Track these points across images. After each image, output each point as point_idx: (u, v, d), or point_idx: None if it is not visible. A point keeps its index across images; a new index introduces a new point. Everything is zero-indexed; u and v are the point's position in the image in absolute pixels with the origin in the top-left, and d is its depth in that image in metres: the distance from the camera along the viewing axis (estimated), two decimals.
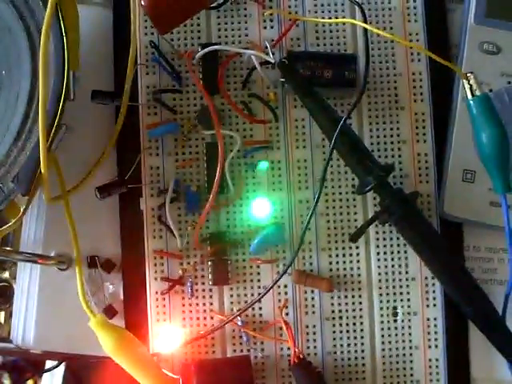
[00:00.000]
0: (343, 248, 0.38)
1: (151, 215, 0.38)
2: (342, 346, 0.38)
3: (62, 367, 0.47)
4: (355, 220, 0.38)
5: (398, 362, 0.38)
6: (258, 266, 0.38)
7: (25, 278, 0.39)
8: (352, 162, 0.35)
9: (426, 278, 0.38)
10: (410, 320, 0.38)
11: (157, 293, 0.38)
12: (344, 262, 0.38)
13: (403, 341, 0.38)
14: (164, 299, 0.38)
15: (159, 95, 0.39)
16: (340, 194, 0.38)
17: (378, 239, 0.38)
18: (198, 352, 0.37)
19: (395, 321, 0.38)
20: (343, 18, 0.40)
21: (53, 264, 0.38)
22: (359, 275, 0.38)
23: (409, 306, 0.38)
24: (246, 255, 0.38)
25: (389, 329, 0.38)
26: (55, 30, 0.34)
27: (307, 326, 0.38)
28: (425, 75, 0.39)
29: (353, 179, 0.38)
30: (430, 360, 0.38)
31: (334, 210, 0.38)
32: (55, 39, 0.34)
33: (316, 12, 0.40)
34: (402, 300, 0.38)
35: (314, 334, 0.38)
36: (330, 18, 0.39)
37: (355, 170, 0.35)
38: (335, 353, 0.38)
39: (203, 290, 0.38)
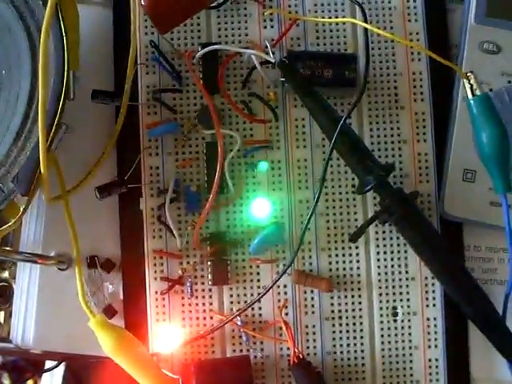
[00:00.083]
0: (343, 248, 0.38)
1: (151, 215, 0.38)
2: (341, 345, 0.38)
3: (62, 367, 0.47)
4: (355, 220, 0.38)
5: (397, 362, 0.38)
6: (258, 266, 0.38)
7: (24, 278, 0.39)
8: (352, 161, 0.35)
9: (426, 277, 0.38)
10: (409, 320, 0.38)
11: (156, 293, 0.38)
12: (344, 262, 0.38)
13: (403, 341, 0.38)
14: (164, 299, 0.38)
15: (159, 95, 0.39)
16: (340, 193, 0.38)
17: (377, 239, 0.38)
18: (197, 352, 0.37)
19: (395, 321, 0.38)
20: (343, 17, 0.39)
21: (52, 264, 0.38)
22: (359, 275, 0.38)
23: (408, 306, 0.38)
24: (246, 255, 0.38)
25: (388, 329, 0.38)
26: (55, 30, 0.34)
27: (307, 326, 0.38)
28: (425, 75, 0.39)
29: (353, 179, 0.38)
30: (429, 360, 0.38)
31: (333, 210, 0.38)
32: (55, 39, 0.34)
33: (316, 12, 0.40)
34: (401, 300, 0.38)
35: (314, 333, 0.38)
36: (330, 18, 0.39)
37: (355, 170, 0.35)
38: (335, 353, 0.38)
39: (203, 290, 0.38)
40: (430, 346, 0.38)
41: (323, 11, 0.40)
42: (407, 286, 0.38)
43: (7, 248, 0.40)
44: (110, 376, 0.37)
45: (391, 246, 0.38)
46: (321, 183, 0.35)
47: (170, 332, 0.37)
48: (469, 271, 0.36)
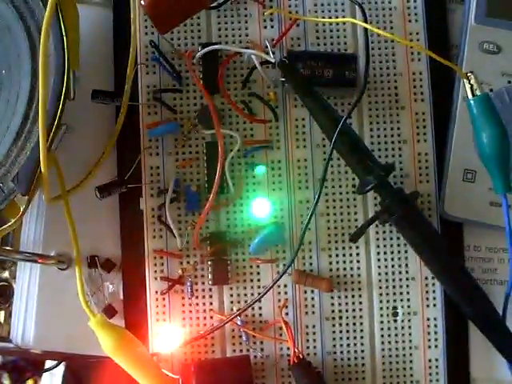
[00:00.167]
0: (343, 248, 0.38)
1: (151, 215, 0.38)
2: (341, 345, 0.38)
3: (62, 367, 0.47)
4: (355, 220, 0.38)
5: (397, 362, 0.38)
6: (258, 266, 0.38)
7: (25, 278, 0.39)
8: (352, 161, 0.35)
9: (426, 277, 0.38)
10: (409, 320, 0.38)
11: (156, 292, 0.38)
12: (344, 262, 0.38)
13: (403, 341, 0.38)
14: (164, 299, 0.38)
15: (159, 95, 0.39)
16: (340, 193, 0.38)
17: (378, 239, 0.38)
18: (197, 352, 0.37)
19: (395, 321, 0.38)
20: (343, 17, 0.39)
21: (53, 264, 0.38)
22: (359, 275, 0.38)
23: (409, 306, 0.38)
24: (246, 255, 0.38)
25: (389, 329, 0.38)
26: (55, 30, 0.34)
27: (307, 326, 0.38)
28: (425, 75, 0.39)
29: (353, 179, 0.38)
30: (429, 360, 0.38)
31: (334, 210, 0.38)
32: (55, 39, 0.34)
33: (316, 12, 0.40)
34: (401, 300, 0.38)
35: (314, 333, 0.38)
36: (330, 18, 0.39)
37: (355, 170, 0.35)
38: (335, 353, 0.38)
39: (203, 290, 0.38)
40: (430, 346, 0.38)
41: (323, 11, 0.40)
42: (407, 286, 0.38)
43: (7, 248, 0.40)
44: (110, 376, 0.37)
45: (391, 246, 0.38)
46: (321, 183, 0.35)
47: (170, 332, 0.37)
48: (469, 271, 0.36)
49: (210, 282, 0.38)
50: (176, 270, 0.38)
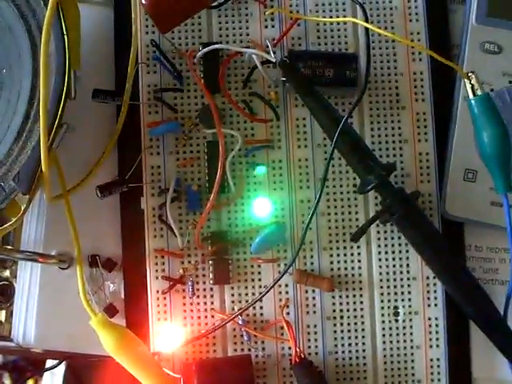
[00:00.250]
0: (344, 247, 0.38)
1: (152, 214, 0.38)
2: (343, 345, 0.38)
3: (63, 366, 0.47)
4: (356, 219, 0.38)
5: (399, 362, 0.38)
6: (259, 266, 0.38)
7: (25, 277, 0.39)
8: (353, 161, 0.35)
9: (428, 277, 0.38)
10: (411, 320, 0.38)
11: (158, 292, 0.38)
12: (345, 262, 0.38)
13: (404, 340, 0.38)
14: (165, 298, 0.38)
15: (160, 94, 0.39)
16: (341, 193, 0.38)
17: (379, 239, 0.38)
18: (198, 351, 0.37)
19: (396, 320, 0.38)
20: (344, 17, 0.39)
21: (53, 263, 0.38)
22: (360, 275, 0.38)
23: (410, 306, 0.38)
24: (247, 254, 0.38)
25: (390, 328, 0.38)
26: (56, 29, 0.34)
27: (308, 326, 0.38)
28: (426, 75, 0.39)
29: (354, 178, 0.38)
30: (431, 360, 0.38)
31: (335, 210, 0.38)
32: (56, 38, 0.34)
33: (317, 11, 0.40)
34: (403, 300, 0.38)
35: (315, 333, 0.38)
36: (331, 18, 0.39)
37: (356, 170, 0.35)
38: (336, 352, 0.38)
39: (204, 289, 0.38)
40: (431, 346, 0.38)
41: (324, 11, 0.40)
42: (408, 285, 0.38)
43: (8, 247, 0.40)
44: (111, 375, 0.36)
45: (392, 245, 0.38)
46: (322, 183, 0.35)
47: (172, 331, 0.37)
48: (470, 271, 0.36)
49: (211, 282, 0.38)
50: (177, 270, 0.38)
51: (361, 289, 0.38)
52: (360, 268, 0.38)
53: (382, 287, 0.38)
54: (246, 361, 0.36)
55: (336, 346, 0.38)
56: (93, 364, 0.40)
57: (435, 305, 0.38)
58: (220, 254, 0.38)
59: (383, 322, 0.38)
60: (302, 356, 0.36)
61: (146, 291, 0.38)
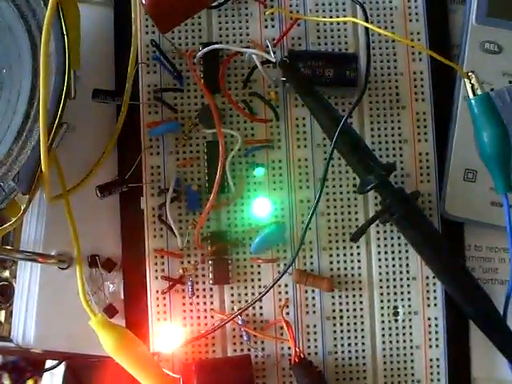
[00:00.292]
0: (344, 247, 0.38)
1: (152, 214, 0.38)
2: (342, 345, 0.38)
3: (63, 366, 0.47)
4: (356, 219, 0.38)
5: (398, 362, 0.38)
6: (259, 266, 0.38)
7: (25, 277, 0.39)
8: (353, 161, 0.35)
9: (427, 277, 0.38)
10: (410, 319, 0.38)
11: (157, 292, 0.38)
12: (345, 262, 0.38)
13: (404, 340, 0.38)
14: (164, 298, 0.38)
15: (160, 94, 0.39)
16: (341, 193, 0.38)
17: (378, 239, 0.38)
18: (198, 351, 0.37)
19: (396, 320, 0.38)
20: (344, 17, 0.39)
21: (53, 263, 0.38)
22: (360, 275, 0.38)
23: (409, 306, 0.38)
24: (247, 254, 0.38)
25: (389, 328, 0.38)
26: (56, 29, 0.34)
27: (308, 326, 0.38)
28: (426, 75, 0.39)
29: (354, 178, 0.38)
30: (430, 360, 0.38)
31: (334, 210, 0.38)
32: (56, 38, 0.34)
33: (317, 11, 0.40)
34: (402, 299, 0.38)
35: (315, 333, 0.38)
36: (331, 17, 0.39)
37: (356, 170, 0.35)
38: (336, 352, 0.38)
39: (204, 290, 0.38)
40: (430, 346, 0.38)
41: (324, 11, 0.40)
42: (408, 285, 0.38)
43: (8, 247, 0.40)
44: (111, 375, 0.36)
45: (392, 245, 0.38)
46: (322, 183, 0.35)
47: (171, 331, 0.37)
48: (470, 271, 0.36)
49: (211, 282, 0.38)
50: (177, 270, 0.38)
51: (360, 289, 0.38)
52: (360, 268, 0.38)
53: (381, 287, 0.38)
54: (245, 361, 0.36)
55: (336, 346, 0.38)
56: (92, 364, 0.40)
57: (435, 305, 0.38)
58: (220, 254, 0.38)
59: (383, 321, 0.38)
60: (302, 356, 0.36)
61: (145, 291, 0.38)
